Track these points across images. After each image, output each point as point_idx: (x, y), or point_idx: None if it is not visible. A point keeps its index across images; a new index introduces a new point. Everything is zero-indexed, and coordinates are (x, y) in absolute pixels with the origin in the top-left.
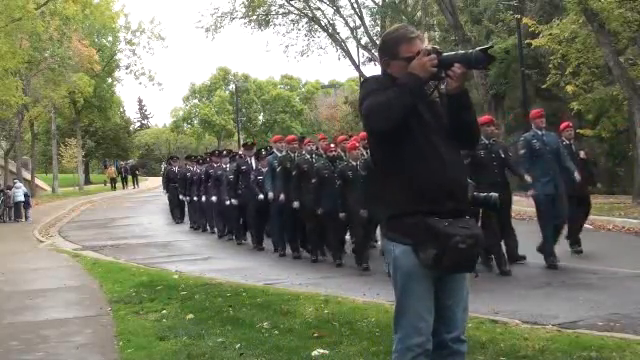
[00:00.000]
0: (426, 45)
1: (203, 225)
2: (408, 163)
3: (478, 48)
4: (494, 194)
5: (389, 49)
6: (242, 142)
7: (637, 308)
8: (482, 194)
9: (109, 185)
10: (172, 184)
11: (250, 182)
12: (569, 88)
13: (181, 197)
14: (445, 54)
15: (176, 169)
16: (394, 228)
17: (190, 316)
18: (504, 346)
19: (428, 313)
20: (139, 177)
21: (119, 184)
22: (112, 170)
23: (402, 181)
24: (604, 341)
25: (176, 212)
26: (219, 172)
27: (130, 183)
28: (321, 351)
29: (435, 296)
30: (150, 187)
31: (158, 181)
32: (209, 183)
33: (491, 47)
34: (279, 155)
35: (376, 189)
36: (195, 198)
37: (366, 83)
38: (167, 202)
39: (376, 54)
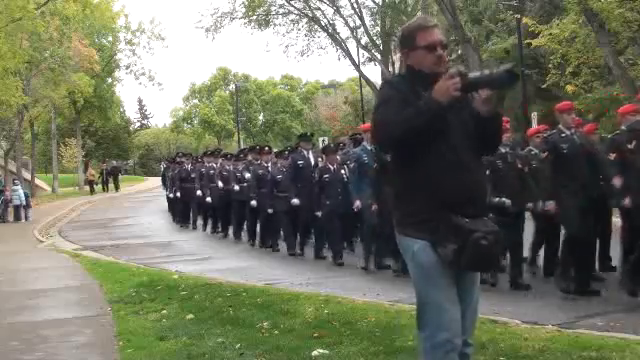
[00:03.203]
0: (452, 68)
1: (235, 230)
2: (428, 168)
3: (502, 68)
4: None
5: (407, 40)
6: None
7: (637, 308)
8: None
9: (88, 188)
10: (184, 184)
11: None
12: (569, 88)
13: (199, 193)
14: (470, 75)
15: (189, 167)
16: (412, 224)
17: (190, 316)
18: (504, 346)
19: (453, 306)
20: (120, 180)
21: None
22: (91, 172)
23: (421, 186)
24: (604, 341)
25: (186, 214)
26: (259, 171)
27: (112, 186)
28: (321, 351)
29: (460, 293)
30: (150, 187)
31: (158, 181)
32: (244, 183)
33: (515, 66)
34: (369, 147)
35: (393, 188)
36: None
37: (383, 88)
38: (168, 202)
39: (376, 54)
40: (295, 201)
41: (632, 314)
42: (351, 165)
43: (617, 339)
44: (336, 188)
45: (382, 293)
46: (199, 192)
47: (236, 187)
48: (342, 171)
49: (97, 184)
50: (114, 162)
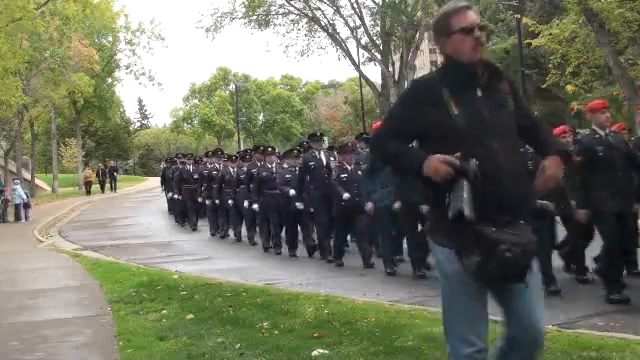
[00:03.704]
0: (459, 159)
1: (238, 234)
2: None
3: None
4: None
5: (442, 27)
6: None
7: (637, 308)
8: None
9: (84, 189)
10: (186, 185)
11: (331, 180)
12: (569, 88)
13: (207, 201)
14: (469, 171)
15: (191, 167)
16: (439, 231)
17: (190, 316)
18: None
19: (478, 321)
20: (119, 180)
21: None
22: (88, 172)
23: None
24: (604, 341)
25: (192, 217)
26: (264, 173)
27: (108, 187)
28: (321, 351)
29: (501, 299)
30: (150, 187)
31: (158, 181)
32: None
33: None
34: None
35: (426, 191)
36: (230, 202)
37: (406, 89)
38: (168, 203)
39: (376, 54)
40: (299, 205)
41: (632, 314)
42: (363, 166)
43: (617, 339)
44: (354, 189)
45: (382, 293)
46: (200, 200)
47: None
48: (359, 172)
49: (92, 185)
50: (112, 162)
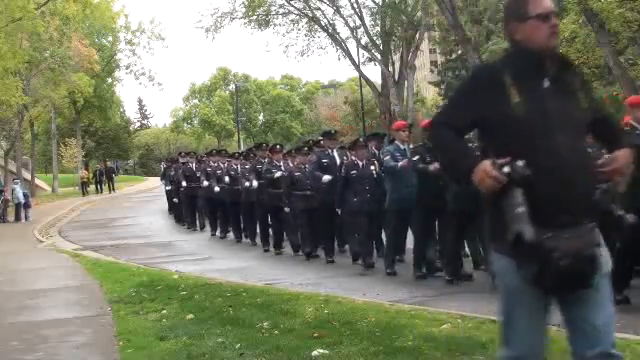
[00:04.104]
0: (510, 167)
1: (252, 235)
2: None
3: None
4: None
5: (516, 10)
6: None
7: (637, 308)
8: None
9: (80, 189)
10: (190, 183)
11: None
12: None
13: (205, 184)
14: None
15: (194, 165)
16: (498, 238)
17: (190, 316)
18: None
19: (535, 334)
20: (115, 180)
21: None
22: (84, 173)
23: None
24: None
25: (197, 217)
26: (273, 170)
27: (105, 188)
28: (321, 351)
29: (566, 307)
30: (150, 187)
31: (158, 181)
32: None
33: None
34: (402, 147)
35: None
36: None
37: (466, 77)
38: (169, 203)
39: (376, 54)
40: (326, 177)
41: (632, 314)
42: (386, 158)
43: (617, 339)
44: (364, 185)
45: (382, 293)
46: (205, 182)
47: (247, 184)
48: (372, 167)
49: (89, 185)
50: (110, 163)
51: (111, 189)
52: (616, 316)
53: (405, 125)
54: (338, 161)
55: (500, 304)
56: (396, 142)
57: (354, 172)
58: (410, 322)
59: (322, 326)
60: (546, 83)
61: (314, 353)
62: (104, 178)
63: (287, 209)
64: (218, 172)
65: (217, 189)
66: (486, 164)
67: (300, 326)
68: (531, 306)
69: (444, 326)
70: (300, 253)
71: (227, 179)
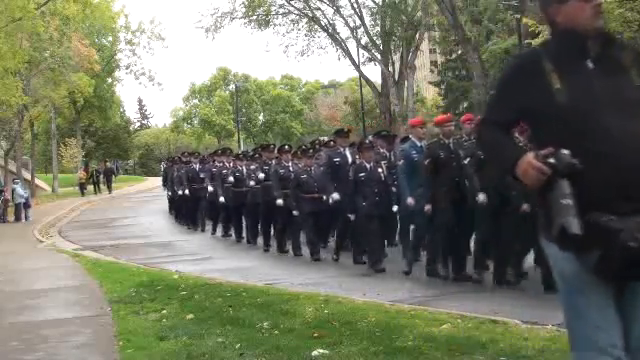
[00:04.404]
0: (558, 157)
1: (251, 233)
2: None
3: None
4: None
5: None
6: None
7: None
8: None
9: (78, 190)
10: (192, 184)
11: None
12: None
13: (210, 189)
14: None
15: (197, 166)
16: (547, 229)
17: (190, 316)
18: (504, 346)
19: (608, 324)
20: (115, 181)
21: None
22: (82, 173)
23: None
24: None
25: (194, 216)
26: (281, 171)
27: (105, 188)
28: (321, 351)
29: (628, 298)
30: (150, 187)
31: (158, 181)
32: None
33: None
34: (419, 143)
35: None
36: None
37: (509, 62)
38: (170, 203)
39: (376, 54)
40: (335, 196)
41: None
42: (400, 162)
43: None
44: (372, 188)
45: (382, 293)
46: (210, 188)
47: (251, 182)
48: (379, 169)
49: (87, 186)
50: (109, 163)
51: (109, 190)
52: None
53: (422, 122)
54: (350, 159)
55: (562, 300)
56: (412, 139)
57: (362, 175)
58: (410, 322)
59: (322, 326)
60: (590, 64)
61: (314, 353)
62: (102, 179)
63: (296, 212)
64: (224, 172)
65: (222, 199)
66: (529, 156)
67: (300, 326)
68: (597, 295)
69: (444, 326)
70: (300, 254)
71: (231, 179)
